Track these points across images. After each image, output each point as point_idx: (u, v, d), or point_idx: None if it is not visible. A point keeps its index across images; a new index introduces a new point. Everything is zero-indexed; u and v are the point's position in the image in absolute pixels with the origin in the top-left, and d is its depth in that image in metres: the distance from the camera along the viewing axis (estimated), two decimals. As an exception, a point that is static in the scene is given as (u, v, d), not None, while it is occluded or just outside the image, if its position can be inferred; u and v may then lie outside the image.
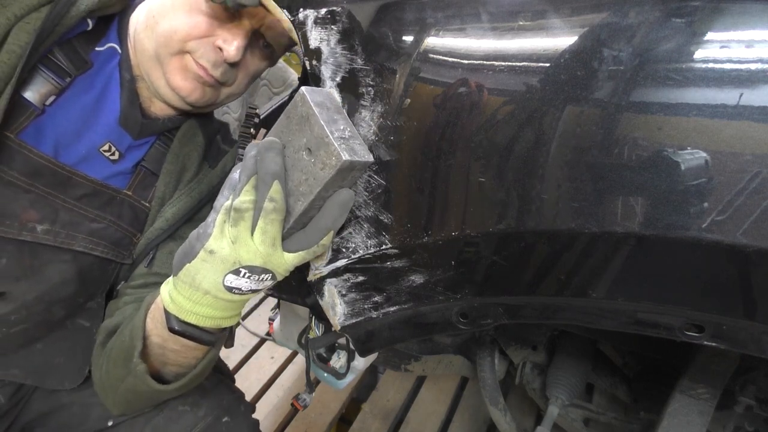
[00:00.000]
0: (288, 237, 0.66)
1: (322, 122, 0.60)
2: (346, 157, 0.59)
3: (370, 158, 0.63)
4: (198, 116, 0.97)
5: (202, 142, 0.97)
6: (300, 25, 0.69)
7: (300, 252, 0.66)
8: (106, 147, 0.86)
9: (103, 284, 0.93)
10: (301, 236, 0.66)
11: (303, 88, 0.62)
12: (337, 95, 0.67)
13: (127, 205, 0.91)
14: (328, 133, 0.60)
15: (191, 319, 0.70)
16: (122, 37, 0.86)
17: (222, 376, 1.08)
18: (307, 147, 0.61)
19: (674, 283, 0.56)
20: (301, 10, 0.69)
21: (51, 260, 0.83)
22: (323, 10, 0.67)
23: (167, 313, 0.71)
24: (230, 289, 0.66)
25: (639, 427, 1.20)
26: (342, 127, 0.62)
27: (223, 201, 0.64)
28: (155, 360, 0.80)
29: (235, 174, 0.65)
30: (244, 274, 0.65)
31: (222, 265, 0.64)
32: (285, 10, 0.73)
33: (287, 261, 0.66)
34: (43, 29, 0.73)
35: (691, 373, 0.90)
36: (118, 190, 0.89)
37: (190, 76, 0.83)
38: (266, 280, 0.67)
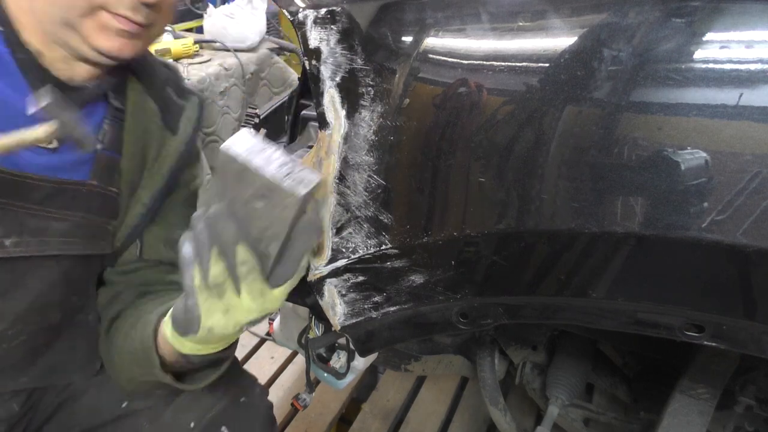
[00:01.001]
0: (270, 275, 0.66)
1: (260, 171, 0.59)
2: (302, 192, 0.58)
3: (319, 177, 0.62)
4: (135, 72, 0.88)
5: (155, 109, 0.90)
6: (300, 25, 0.69)
7: (287, 284, 0.65)
8: None
9: (91, 278, 0.91)
10: (281, 270, 0.65)
11: (222, 147, 0.61)
12: (254, 133, 0.65)
13: (95, 196, 0.86)
14: (271, 178, 0.58)
15: (206, 352, 0.72)
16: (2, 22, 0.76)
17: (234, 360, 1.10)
18: (257, 196, 0.60)
19: (674, 283, 0.55)
20: (301, 10, 0.69)
21: (29, 270, 0.81)
22: (323, 10, 0.67)
23: (182, 353, 0.72)
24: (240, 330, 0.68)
25: (639, 427, 1.20)
26: (280, 163, 0.60)
27: (191, 282, 0.63)
28: (173, 368, 0.81)
29: (187, 249, 0.63)
30: (248, 326, 0.67)
31: (225, 333, 0.66)
32: (285, 10, 0.73)
33: (278, 297, 0.66)
34: None
35: (691, 373, 0.90)
36: (82, 182, 0.83)
37: (114, 34, 0.74)
38: (265, 317, 0.68)
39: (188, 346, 0.70)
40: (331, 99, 0.68)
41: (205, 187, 1.03)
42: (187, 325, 0.66)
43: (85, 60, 0.78)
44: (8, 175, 0.75)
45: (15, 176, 0.76)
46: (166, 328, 0.72)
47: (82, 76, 0.81)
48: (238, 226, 0.61)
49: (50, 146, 0.78)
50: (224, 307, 0.63)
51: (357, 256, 0.71)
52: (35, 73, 0.77)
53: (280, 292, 0.66)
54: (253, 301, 0.63)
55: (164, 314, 0.76)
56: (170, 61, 1.01)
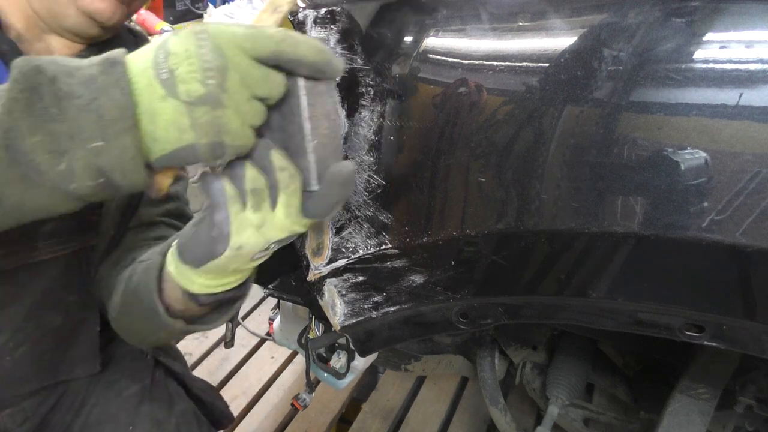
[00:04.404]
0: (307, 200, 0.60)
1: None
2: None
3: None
4: (102, 46, 0.84)
5: None
6: (300, 25, 0.69)
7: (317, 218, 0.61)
8: None
9: (86, 274, 0.88)
10: (317, 201, 0.59)
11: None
12: None
13: None
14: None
15: (218, 290, 0.65)
16: None
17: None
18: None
19: (674, 283, 0.55)
20: (301, 10, 0.69)
21: (21, 280, 0.80)
22: (323, 10, 0.67)
23: (190, 293, 0.66)
24: (257, 259, 0.61)
25: (639, 427, 1.20)
26: None
27: (221, 193, 0.56)
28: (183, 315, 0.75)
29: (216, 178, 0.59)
30: (273, 246, 0.60)
31: (252, 251, 0.59)
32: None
33: (308, 225, 0.61)
34: None
35: (691, 373, 0.90)
36: None
37: None
38: (290, 239, 0.62)
39: (198, 283, 0.63)
40: (331, 99, 0.68)
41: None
42: (209, 248, 0.59)
43: (66, 30, 0.76)
44: None
45: None
46: (171, 266, 0.66)
47: (60, 53, 0.78)
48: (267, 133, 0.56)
49: None
50: (260, 221, 0.56)
51: (357, 256, 0.71)
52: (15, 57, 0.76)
53: (311, 221, 0.60)
54: (287, 218, 0.57)
55: (165, 255, 0.69)
56: (137, 27, 0.96)
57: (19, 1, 0.75)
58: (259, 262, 0.63)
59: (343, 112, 0.67)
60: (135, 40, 0.92)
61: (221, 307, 0.73)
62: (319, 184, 0.59)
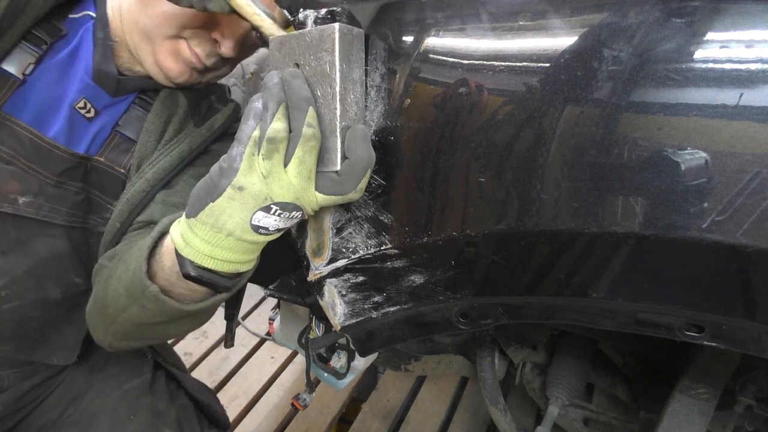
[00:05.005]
0: (320, 177, 0.62)
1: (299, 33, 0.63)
2: (335, 26, 0.60)
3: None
4: (194, 91, 0.95)
5: (185, 103, 0.93)
6: (300, 26, 0.69)
7: (333, 197, 0.62)
8: (81, 104, 0.84)
9: (94, 261, 0.90)
10: (337, 180, 0.61)
11: (336, 27, 0.60)
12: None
13: (101, 173, 0.89)
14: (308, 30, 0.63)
15: (208, 264, 0.64)
16: (98, 4, 0.86)
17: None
18: (305, 52, 0.63)
19: (674, 283, 0.55)
20: (302, 10, 0.69)
21: (37, 234, 0.83)
22: (323, 10, 0.67)
23: (180, 257, 0.65)
24: (257, 229, 0.61)
25: (639, 427, 1.20)
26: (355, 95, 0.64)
27: (249, 131, 0.58)
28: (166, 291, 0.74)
29: (258, 103, 0.60)
30: (275, 211, 0.60)
31: (252, 202, 0.59)
32: (285, 11, 0.73)
33: (318, 200, 0.62)
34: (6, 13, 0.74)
35: (691, 373, 0.90)
36: (88, 157, 0.87)
37: (182, 60, 0.83)
38: (296, 217, 0.62)
39: (193, 246, 0.63)
40: (331, 99, 0.68)
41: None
42: (215, 183, 0.60)
43: (144, 70, 0.87)
44: (39, 139, 0.80)
45: (45, 143, 0.81)
46: (174, 226, 0.68)
47: (137, 72, 0.89)
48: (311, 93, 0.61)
49: (88, 115, 0.86)
50: (267, 170, 0.58)
51: (357, 256, 0.71)
52: (102, 52, 0.85)
53: (320, 198, 0.62)
54: (297, 177, 0.58)
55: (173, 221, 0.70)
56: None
57: (119, 21, 0.86)
58: (256, 241, 0.63)
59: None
60: (220, 90, 1.04)
61: (202, 294, 0.73)
62: (340, 166, 0.62)
